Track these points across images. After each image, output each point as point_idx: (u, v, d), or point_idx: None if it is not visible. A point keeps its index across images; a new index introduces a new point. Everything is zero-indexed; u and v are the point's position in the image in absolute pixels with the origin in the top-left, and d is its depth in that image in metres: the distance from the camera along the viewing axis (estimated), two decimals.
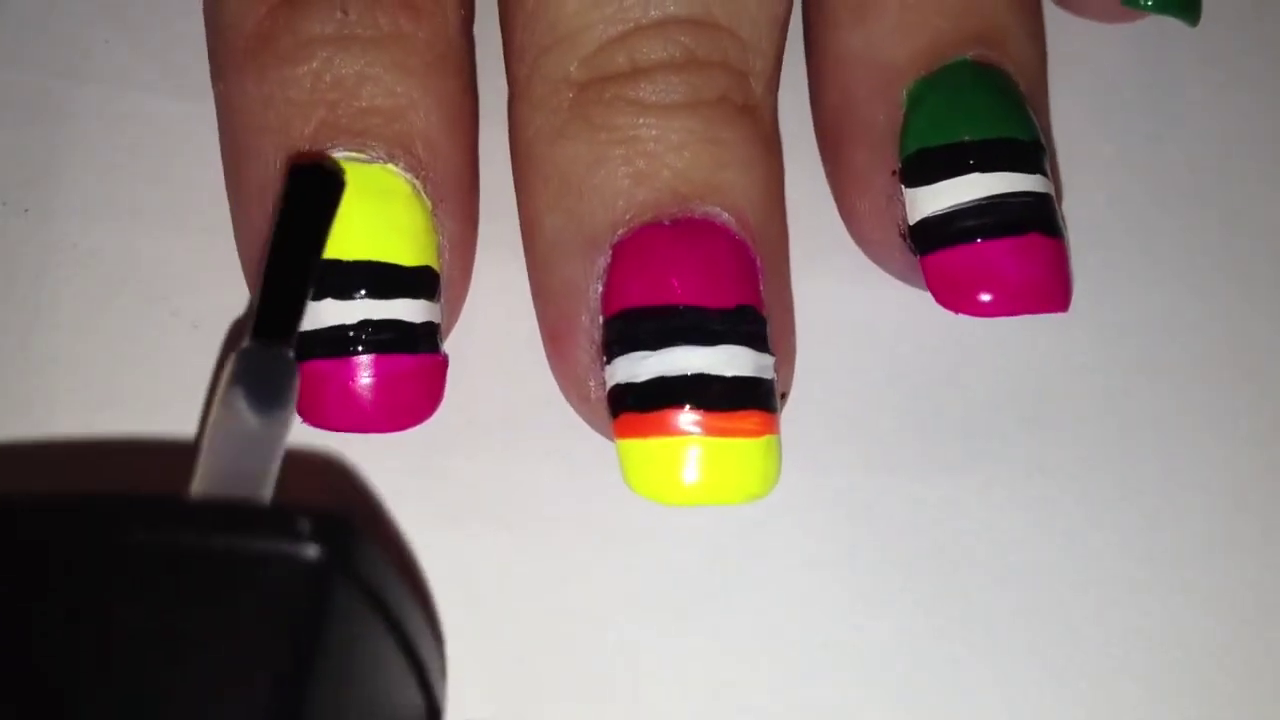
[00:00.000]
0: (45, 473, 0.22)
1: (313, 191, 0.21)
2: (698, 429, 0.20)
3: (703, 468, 0.21)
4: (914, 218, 0.22)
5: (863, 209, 0.24)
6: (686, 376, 0.21)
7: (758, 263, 0.22)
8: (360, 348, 0.21)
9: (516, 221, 0.23)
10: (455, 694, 0.21)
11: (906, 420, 0.24)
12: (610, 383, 0.21)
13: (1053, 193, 0.23)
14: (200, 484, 0.18)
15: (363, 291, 0.21)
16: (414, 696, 0.18)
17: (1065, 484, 0.24)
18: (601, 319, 0.21)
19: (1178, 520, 0.23)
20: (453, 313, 0.23)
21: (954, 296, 0.22)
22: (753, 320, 0.21)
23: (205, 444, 0.18)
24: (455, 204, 0.23)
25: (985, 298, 0.22)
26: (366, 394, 0.21)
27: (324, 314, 0.21)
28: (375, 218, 0.21)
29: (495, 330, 0.24)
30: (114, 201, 0.24)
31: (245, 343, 0.19)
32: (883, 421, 0.24)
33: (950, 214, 0.22)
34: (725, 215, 0.21)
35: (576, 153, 0.22)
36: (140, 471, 0.22)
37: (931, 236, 0.22)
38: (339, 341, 0.21)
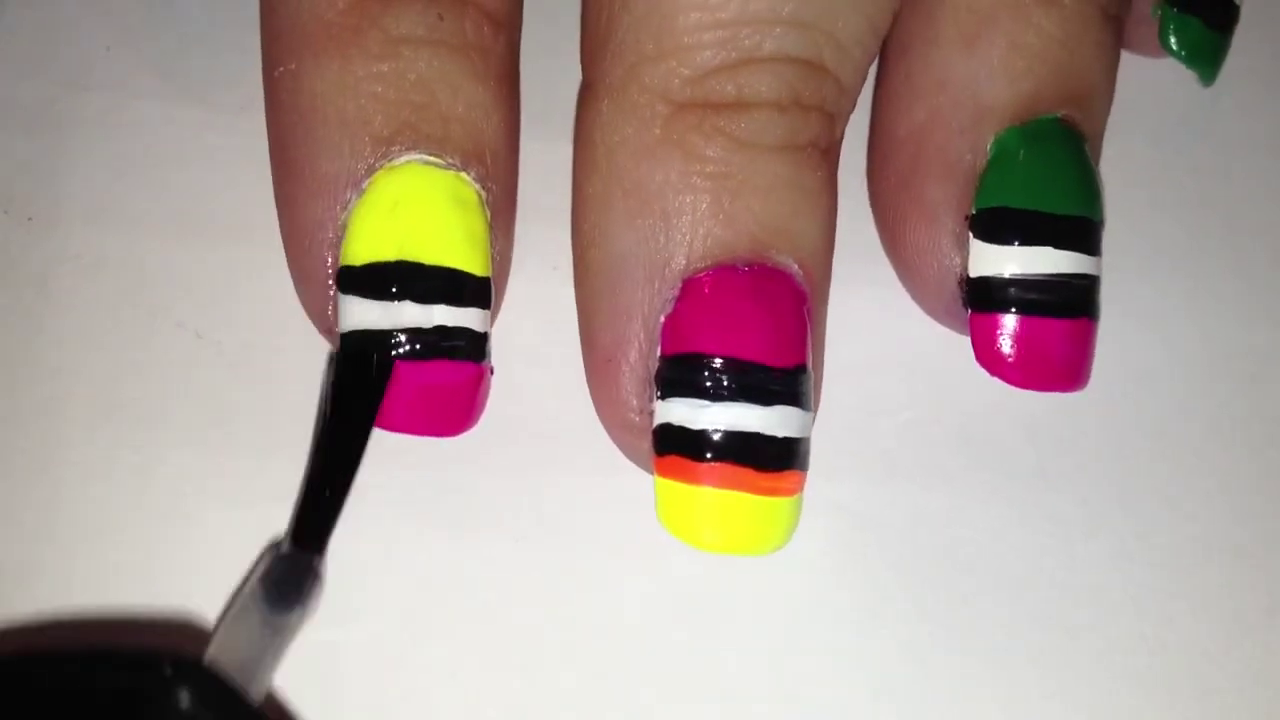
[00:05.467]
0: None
1: (362, 386, 0.21)
2: (744, 488, 0.21)
3: (740, 523, 0.21)
4: (976, 271, 0.22)
5: (924, 244, 0.23)
6: (743, 434, 0.21)
7: (810, 312, 0.22)
8: (435, 353, 0.21)
9: (520, 220, 0.23)
10: (461, 703, 0.21)
11: (908, 428, 0.24)
12: (660, 419, 0.21)
13: (1100, 273, 0.23)
14: (211, 651, 0.20)
15: (441, 297, 0.21)
16: None
17: (1066, 491, 0.24)
18: (659, 352, 0.21)
19: (1178, 526, 0.23)
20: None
21: (995, 360, 0.22)
22: (805, 380, 0.21)
23: (223, 622, 0.20)
24: (506, 218, 0.23)
25: (1025, 372, 0.22)
26: (435, 398, 0.21)
27: (402, 315, 0.21)
28: (454, 224, 0.21)
29: (498, 332, 0.24)
30: (117, 210, 0.24)
31: (284, 546, 0.21)
32: (885, 429, 0.24)
33: (1016, 281, 0.22)
34: (795, 267, 0.21)
35: (665, 177, 0.21)
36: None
37: (991, 296, 0.22)
38: (415, 344, 0.21)
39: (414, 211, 0.21)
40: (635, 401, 0.22)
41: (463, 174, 0.22)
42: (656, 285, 0.21)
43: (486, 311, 0.22)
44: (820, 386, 0.22)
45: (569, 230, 0.24)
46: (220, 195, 0.24)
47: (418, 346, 0.21)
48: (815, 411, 0.22)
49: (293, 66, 0.22)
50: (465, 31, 0.22)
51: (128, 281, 0.24)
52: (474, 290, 0.21)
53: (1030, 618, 0.23)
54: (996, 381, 0.22)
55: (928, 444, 0.24)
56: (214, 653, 0.19)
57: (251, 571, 0.21)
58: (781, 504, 0.21)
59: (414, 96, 0.21)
